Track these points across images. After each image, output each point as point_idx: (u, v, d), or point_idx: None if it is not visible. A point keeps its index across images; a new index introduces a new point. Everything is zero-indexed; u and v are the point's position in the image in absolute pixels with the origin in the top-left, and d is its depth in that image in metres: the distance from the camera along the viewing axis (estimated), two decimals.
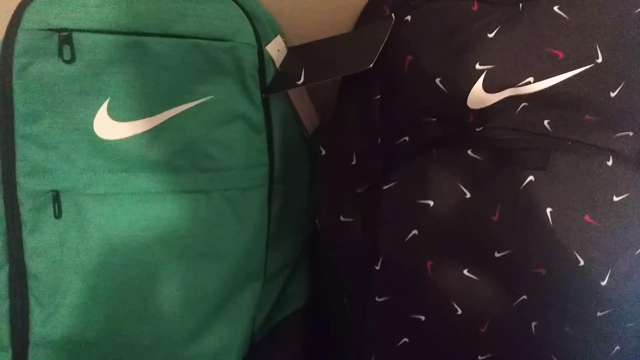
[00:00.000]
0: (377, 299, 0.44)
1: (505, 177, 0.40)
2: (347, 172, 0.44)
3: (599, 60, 0.38)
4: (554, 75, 0.38)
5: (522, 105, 0.40)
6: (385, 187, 0.42)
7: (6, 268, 0.40)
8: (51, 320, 0.40)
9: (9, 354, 0.40)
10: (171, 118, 0.41)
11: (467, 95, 0.39)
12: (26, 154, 0.39)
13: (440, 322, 0.43)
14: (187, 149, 0.41)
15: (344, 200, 0.45)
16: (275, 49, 0.45)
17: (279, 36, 0.45)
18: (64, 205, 0.40)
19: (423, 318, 0.43)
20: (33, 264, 0.40)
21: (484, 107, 0.39)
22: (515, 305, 0.41)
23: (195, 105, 0.41)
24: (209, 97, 0.41)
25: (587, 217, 0.40)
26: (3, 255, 0.40)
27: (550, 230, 0.40)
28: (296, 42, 0.47)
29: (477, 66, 0.38)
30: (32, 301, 0.40)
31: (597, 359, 0.43)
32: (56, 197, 0.39)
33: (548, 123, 0.40)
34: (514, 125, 0.40)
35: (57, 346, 0.40)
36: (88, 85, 0.38)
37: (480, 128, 0.40)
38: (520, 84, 0.38)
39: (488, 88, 0.38)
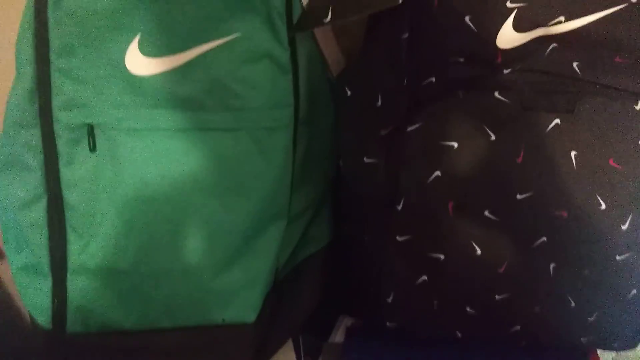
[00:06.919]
0: (397, 238, 0.45)
1: (531, 119, 0.40)
2: (372, 113, 0.45)
3: None
4: (586, 15, 0.37)
5: (551, 46, 0.39)
6: (409, 129, 0.42)
7: (44, 199, 0.42)
8: (88, 249, 0.42)
9: (49, 281, 0.43)
10: (200, 55, 0.41)
11: (497, 34, 0.38)
12: (62, 87, 0.40)
13: (459, 261, 0.44)
14: (215, 87, 0.42)
15: (368, 141, 0.45)
16: None
17: None
18: (98, 139, 0.41)
19: (442, 257, 0.44)
20: (70, 195, 0.41)
21: (513, 48, 0.39)
22: (534, 247, 0.42)
23: (223, 43, 0.41)
24: (236, 35, 0.41)
25: (611, 161, 0.40)
26: (41, 186, 0.41)
27: (574, 173, 0.40)
28: None
29: (508, 4, 0.37)
30: (70, 231, 0.42)
31: (613, 302, 0.44)
32: (91, 131, 0.41)
33: (577, 65, 0.40)
34: (543, 67, 0.40)
35: (93, 274, 0.42)
36: (119, 19, 0.39)
37: (509, 70, 0.40)
38: (551, 23, 0.37)
39: (518, 27, 0.38)
